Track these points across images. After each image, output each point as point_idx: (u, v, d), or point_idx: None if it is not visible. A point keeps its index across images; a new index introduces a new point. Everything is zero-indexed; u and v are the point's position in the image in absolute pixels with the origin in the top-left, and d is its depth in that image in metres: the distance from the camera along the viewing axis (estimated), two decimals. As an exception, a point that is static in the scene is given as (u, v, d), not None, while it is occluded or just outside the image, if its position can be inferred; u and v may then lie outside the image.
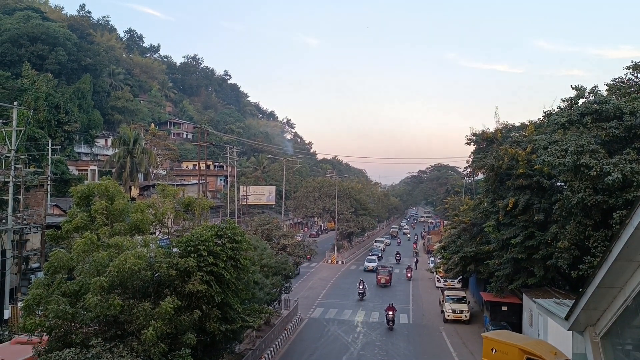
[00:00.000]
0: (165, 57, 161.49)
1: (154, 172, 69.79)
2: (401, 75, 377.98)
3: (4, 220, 31.47)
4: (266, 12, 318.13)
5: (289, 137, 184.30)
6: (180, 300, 16.70)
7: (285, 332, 35.06)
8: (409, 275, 61.36)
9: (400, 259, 76.27)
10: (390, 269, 57.32)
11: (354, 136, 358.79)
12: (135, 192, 58.87)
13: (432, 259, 66.61)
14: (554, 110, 31.55)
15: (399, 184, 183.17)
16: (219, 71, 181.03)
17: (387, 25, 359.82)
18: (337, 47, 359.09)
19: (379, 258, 74.62)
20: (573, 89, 29.02)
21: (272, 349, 30.97)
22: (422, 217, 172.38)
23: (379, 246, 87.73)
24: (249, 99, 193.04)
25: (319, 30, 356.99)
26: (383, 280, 55.16)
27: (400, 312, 43.64)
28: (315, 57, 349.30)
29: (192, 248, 17.36)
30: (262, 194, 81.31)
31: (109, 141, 78.79)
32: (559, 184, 30.43)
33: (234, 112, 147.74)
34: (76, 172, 61.40)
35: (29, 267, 34.81)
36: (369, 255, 72.81)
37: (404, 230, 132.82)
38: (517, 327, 33.23)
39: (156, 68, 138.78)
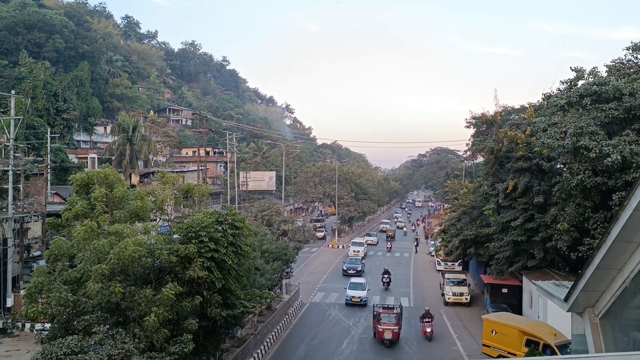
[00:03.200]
0: (163, 43, 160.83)
1: (154, 159, 69.77)
2: (402, 59, 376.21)
3: (4, 209, 31.54)
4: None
5: (288, 122, 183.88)
6: (181, 286, 16.79)
7: (287, 316, 35.28)
8: (429, 330, 31.52)
9: (389, 282, 46.49)
10: (399, 311, 31.48)
11: (354, 121, 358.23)
12: (135, 179, 58.91)
13: (432, 242, 66.86)
14: (553, 93, 31.44)
15: (399, 168, 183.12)
16: (218, 57, 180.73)
17: (387, 8, 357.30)
18: (337, 32, 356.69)
19: (358, 273, 50.38)
20: (572, 70, 28.89)
21: (273, 333, 31.19)
22: (419, 201, 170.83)
23: (358, 252, 61.17)
24: (247, 84, 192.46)
25: (319, 15, 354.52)
26: (389, 335, 29.76)
27: (401, 296, 43.90)
28: (315, 42, 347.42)
29: (193, 234, 17.42)
30: (262, 179, 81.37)
31: (108, 129, 78.66)
32: (558, 166, 30.43)
33: (233, 98, 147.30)
34: (76, 160, 61.39)
35: (31, 255, 34.96)
36: (352, 276, 47.17)
37: (398, 223, 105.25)
38: (517, 309, 33.43)
39: (154, 54, 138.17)
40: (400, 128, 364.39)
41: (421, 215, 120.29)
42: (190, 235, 17.55)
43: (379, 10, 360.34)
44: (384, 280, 46.65)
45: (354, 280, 43.06)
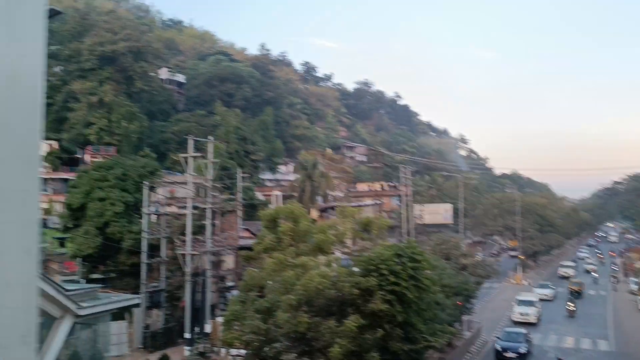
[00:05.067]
0: (338, 84, 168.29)
1: (332, 194, 72.49)
2: (586, 79, 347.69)
3: (204, 243, 35.01)
4: (438, 28, 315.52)
5: (463, 153, 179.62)
6: (363, 318, 17.00)
7: (469, 355, 33.73)
8: None
9: None
10: None
11: (534, 148, 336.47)
12: (314, 214, 61.62)
13: (634, 279, 59.82)
14: None
15: (590, 198, 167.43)
16: (390, 93, 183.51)
17: (563, 26, 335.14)
18: (514, 57, 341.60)
19: (521, 357, 32.57)
20: None
21: (456, 372, 29.98)
22: (614, 235, 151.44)
23: (528, 316, 42.78)
24: (420, 117, 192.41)
25: (494, 43, 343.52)
26: None
27: (597, 338, 39.58)
28: (490, 70, 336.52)
29: (373, 267, 17.62)
30: (437, 212, 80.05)
31: (290, 167, 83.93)
32: None
33: (405, 132, 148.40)
34: (262, 197, 66.21)
35: (225, 285, 38.14)
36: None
37: (587, 265, 79.94)
38: None
39: (330, 96, 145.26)
40: (589, 154, 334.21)
41: (618, 250, 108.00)
42: (370, 268, 17.78)
43: (553, 29, 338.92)
44: None
45: None
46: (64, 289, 16.26)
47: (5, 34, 0.98)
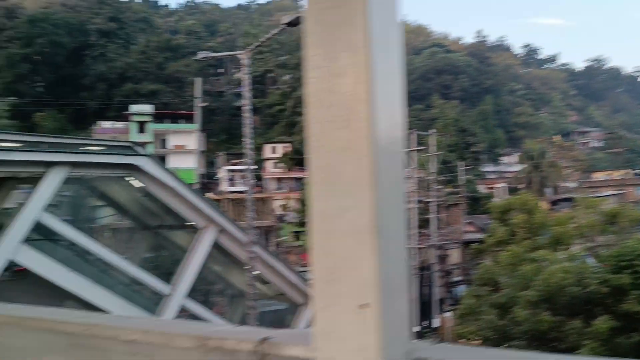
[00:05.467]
0: (565, 64, 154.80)
1: (562, 185, 66.97)
2: None
3: (429, 237, 35.07)
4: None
5: None
6: (614, 320, 15.27)
7: None
8: None
9: None
10: None
11: None
12: (545, 206, 57.56)
13: None
14: None
15: None
16: (628, 69, 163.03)
17: None
18: None
19: None
20: None
21: None
22: None
23: None
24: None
25: None
26: None
27: None
28: None
29: (626, 263, 15.73)
30: (698, 202, 68.50)
31: (514, 157, 79.67)
32: None
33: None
34: (484, 190, 63.96)
35: (451, 280, 37.64)
36: None
37: None
38: None
39: (555, 78, 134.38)
40: None
41: None
42: (622, 264, 15.90)
43: None
44: None
45: None
46: (304, 278, 17.70)
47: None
